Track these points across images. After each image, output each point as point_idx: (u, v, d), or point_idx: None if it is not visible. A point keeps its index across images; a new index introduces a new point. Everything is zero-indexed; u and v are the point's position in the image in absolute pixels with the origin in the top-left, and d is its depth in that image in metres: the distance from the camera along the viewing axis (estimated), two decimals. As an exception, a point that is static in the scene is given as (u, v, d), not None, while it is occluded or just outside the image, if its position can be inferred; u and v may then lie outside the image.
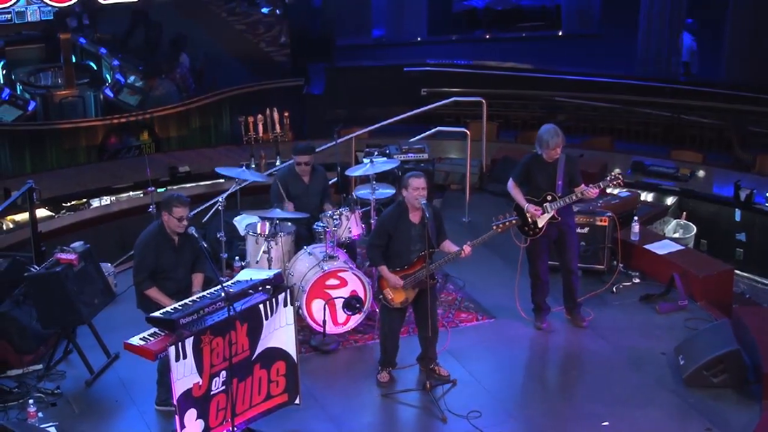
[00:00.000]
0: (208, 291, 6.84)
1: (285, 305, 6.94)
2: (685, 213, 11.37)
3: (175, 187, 12.59)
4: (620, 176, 8.45)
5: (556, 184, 8.38)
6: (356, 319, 8.65)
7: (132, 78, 16.33)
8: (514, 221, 7.93)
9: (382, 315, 7.88)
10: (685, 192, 12.10)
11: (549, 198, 8.40)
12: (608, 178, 8.43)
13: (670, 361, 8.14)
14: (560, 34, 20.23)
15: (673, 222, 11.08)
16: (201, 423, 6.50)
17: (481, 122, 12.37)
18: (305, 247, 8.82)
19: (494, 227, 7.81)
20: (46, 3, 15.70)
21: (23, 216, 11.07)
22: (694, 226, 10.89)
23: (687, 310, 9.02)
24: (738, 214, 11.57)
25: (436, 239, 7.53)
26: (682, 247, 9.93)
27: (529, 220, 8.43)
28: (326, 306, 8.46)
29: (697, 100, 14.97)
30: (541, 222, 8.42)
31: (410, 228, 7.56)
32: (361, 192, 9.41)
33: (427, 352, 7.85)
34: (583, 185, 8.43)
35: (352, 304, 8.54)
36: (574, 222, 8.85)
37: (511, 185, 8.54)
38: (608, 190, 10.96)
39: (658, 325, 8.82)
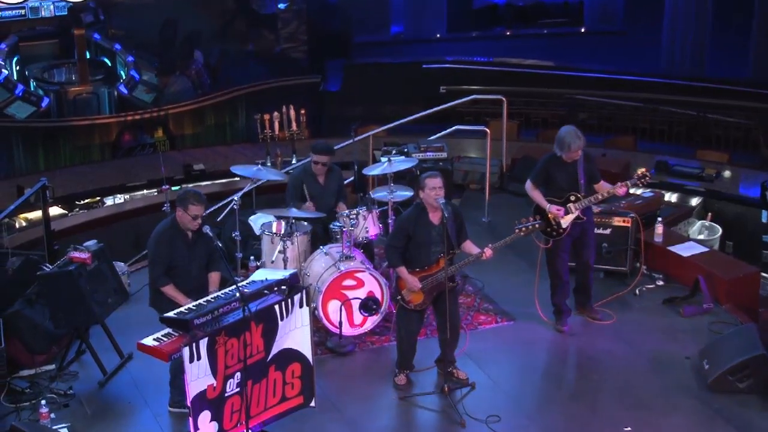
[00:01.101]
0: (222, 291, 6.85)
1: (301, 306, 6.94)
2: (710, 214, 11.31)
3: (190, 185, 12.62)
4: (647, 175, 8.38)
5: (578, 184, 8.35)
6: (373, 321, 8.65)
7: (147, 74, 16.41)
8: (537, 225, 7.88)
9: (399, 316, 7.87)
10: (710, 192, 12.04)
11: (572, 198, 8.37)
12: (635, 177, 8.37)
13: (694, 365, 8.10)
14: (583, 30, 20.21)
15: (698, 223, 11.02)
16: (215, 425, 6.51)
17: (502, 121, 12.34)
18: (321, 247, 8.83)
19: (517, 230, 7.75)
20: (61, -2, 15.83)
21: (36, 214, 11.14)
22: (719, 228, 10.83)
23: (712, 313, 8.97)
24: (765, 215, 11.48)
25: (456, 239, 7.52)
26: (707, 249, 9.88)
27: (552, 221, 8.40)
28: (342, 307, 8.46)
29: (723, 98, 14.90)
30: (565, 223, 8.39)
31: (430, 229, 7.55)
32: (379, 194, 9.39)
33: (446, 354, 7.84)
34: (602, 182, 8.40)
35: (368, 305, 8.53)
36: (593, 218, 8.82)
37: (530, 186, 8.51)
38: (631, 190, 10.91)
39: (682, 329, 8.78)
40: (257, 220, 9.49)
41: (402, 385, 7.91)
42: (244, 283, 6.83)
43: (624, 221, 9.58)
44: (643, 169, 8.42)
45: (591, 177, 8.42)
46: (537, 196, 8.46)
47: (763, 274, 10.29)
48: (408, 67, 17.04)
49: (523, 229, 7.75)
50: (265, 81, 16.20)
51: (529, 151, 12.53)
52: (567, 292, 8.72)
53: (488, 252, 7.55)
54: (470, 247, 7.68)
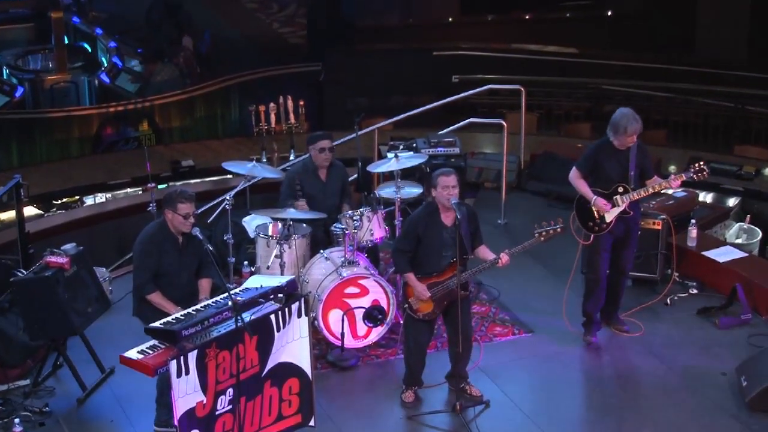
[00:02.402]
0: (213, 299, 6.87)
1: (299, 316, 6.96)
2: (749, 216, 11.31)
3: (178, 183, 12.66)
4: (705, 168, 8.28)
5: (628, 175, 8.31)
6: (378, 332, 8.66)
7: (131, 62, 16.45)
8: (559, 229, 7.83)
9: (406, 327, 7.88)
10: (749, 192, 12.03)
11: (620, 190, 8.31)
12: (692, 169, 8.29)
13: (731, 382, 8.10)
14: (609, 14, 20.17)
15: (736, 226, 11.02)
16: (205, 446, 6.53)
17: (520, 113, 12.35)
18: (322, 251, 8.85)
19: (537, 235, 7.71)
20: (37, -22, 15.87)
21: (9, 214, 11.17)
22: (759, 231, 10.82)
23: (751, 325, 8.97)
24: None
25: (470, 244, 7.52)
26: (746, 255, 9.88)
27: (596, 214, 8.37)
28: (345, 317, 8.48)
29: (764, 88, 14.87)
30: (610, 216, 8.33)
31: (441, 231, 7.56)
32: (385, 191, 9.40)
33: (458, 369, 7.85)
34: (655, 177, 8.36)
35: (373, 315, 8.55)
36: (639, 218, 8.77)
37: (575, 175, 8.45)
38: (667, 190, 10.91)
39: (717, 342, 8.78)
40: (252, 222, 9.51)
41: (410, 402, 7.92)
42: (237, 290, 6.85)
43: (654, 223, 9.58)
44: (702, 162, 8.34)
45: (643, 171, 8.35)
46: (581, 185, 8.41)
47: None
48: (417, 54, 17.05)
49: (543, 233, 7.70)
50: (261, 69, 16.22)
51: (550, 147, 12.54)
52: (601, 301, 8.65)
53: (504, 258, 7.56)
54: (485, 252, 7.69)
